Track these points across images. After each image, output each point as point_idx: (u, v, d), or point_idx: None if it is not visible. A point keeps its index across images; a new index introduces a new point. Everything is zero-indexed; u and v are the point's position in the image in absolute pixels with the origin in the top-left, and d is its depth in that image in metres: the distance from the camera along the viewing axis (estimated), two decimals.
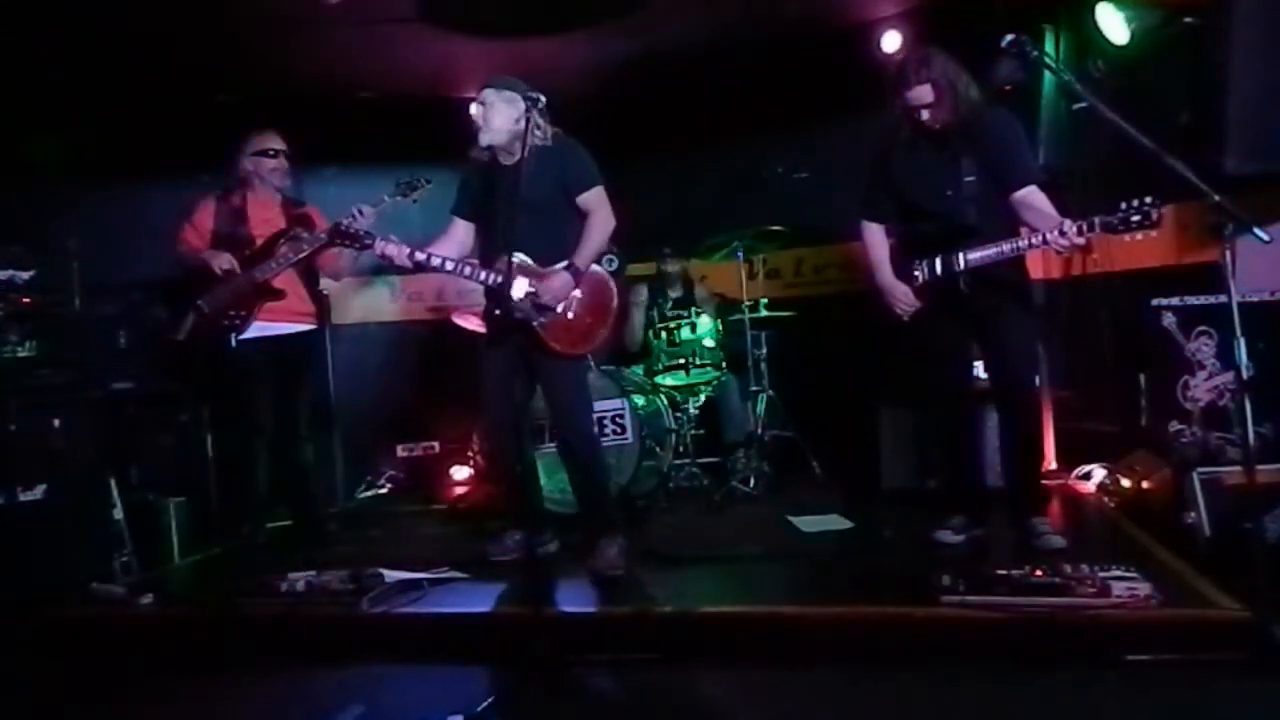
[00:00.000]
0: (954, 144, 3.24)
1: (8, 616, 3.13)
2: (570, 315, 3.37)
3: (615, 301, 3.50)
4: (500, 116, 3.34)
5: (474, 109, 3.37)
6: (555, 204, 3.38)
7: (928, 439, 4.25)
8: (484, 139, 3.34)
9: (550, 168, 3.35)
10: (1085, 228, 2.89)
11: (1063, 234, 2.93)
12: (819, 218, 5.38)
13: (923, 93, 3.20)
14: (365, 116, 5.43)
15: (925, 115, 3.24)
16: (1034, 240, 3.04)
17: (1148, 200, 2.80)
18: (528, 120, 3.15)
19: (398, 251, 3.34)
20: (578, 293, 3.36)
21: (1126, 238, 2.93)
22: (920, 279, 3.33)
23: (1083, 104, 4.00)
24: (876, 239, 3.54)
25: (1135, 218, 2.81)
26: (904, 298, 3.39)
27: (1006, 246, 3.10)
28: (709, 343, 4.68)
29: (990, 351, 3.41)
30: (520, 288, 3.31)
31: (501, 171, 3.33)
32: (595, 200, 3.40)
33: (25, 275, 3.70)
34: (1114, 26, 4.14)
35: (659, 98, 5.39)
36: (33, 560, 3.39)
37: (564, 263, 3.33)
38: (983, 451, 3.80)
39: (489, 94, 3.37)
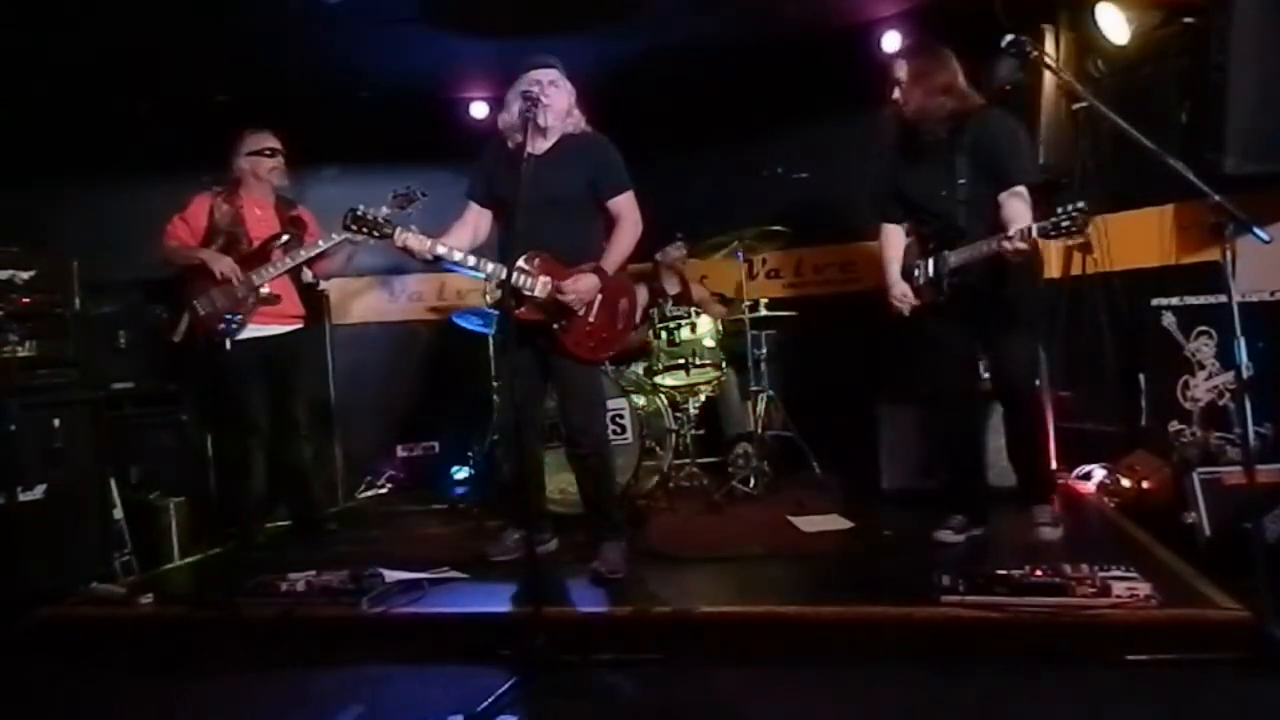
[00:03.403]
0: (949, 145, 3.27)
1: (8, 616, 3.13)
2: (591, 320, 3.29)
3: (639, 309, 3.43)
4: (560, 99, 3.25)
5: (529, 85, 3.18)
6: (581, 200, 3.29)
7: (929, 438, 4.26)
8: (543, 118, 3.16)
9: (581, 162, 3.28)
10: (1025, 233, 2.94)
11: (1008, 238, 2.98)
12: (819, 218, 5.40)
13: (897, 67, 3.32)
14: (365, 116, 5.43)
15: (898, 94, 3.32)
16: (992, 244, 3.07)
17: (1078, 205, 2.84)
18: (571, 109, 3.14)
19: (419, 244, 3.17)
20: (600, 297, 3.28)
21: (1076, 239, 2.99)
22: (920, 279, 3.35)
23: (1083, 104, 4.02)
24: (891, 239, 3.56)
25: (1065, 223, 2.86)
26: (900, 296, 3.43)
27: (981, 248, 3.14)
28: (709, 343, 4.68)
29: (991, 353, 3.42)
30: (543, 287, 3.21)
31: (527, 159, 3.09)
32: (626, 205, 3.32)
33: (25, 275, 3.70)
34: (1114, 26, 4.14)
35: (659, 97, 5.39)
36: (33, 560, 3.39)
37: (589, 264, 3.24)
38: (983, 452, 3.80)
39: (553, 73, 3.26)
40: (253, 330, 3.92)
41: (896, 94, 3.33)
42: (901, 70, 3.31)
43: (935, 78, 3.25)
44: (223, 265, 3.85)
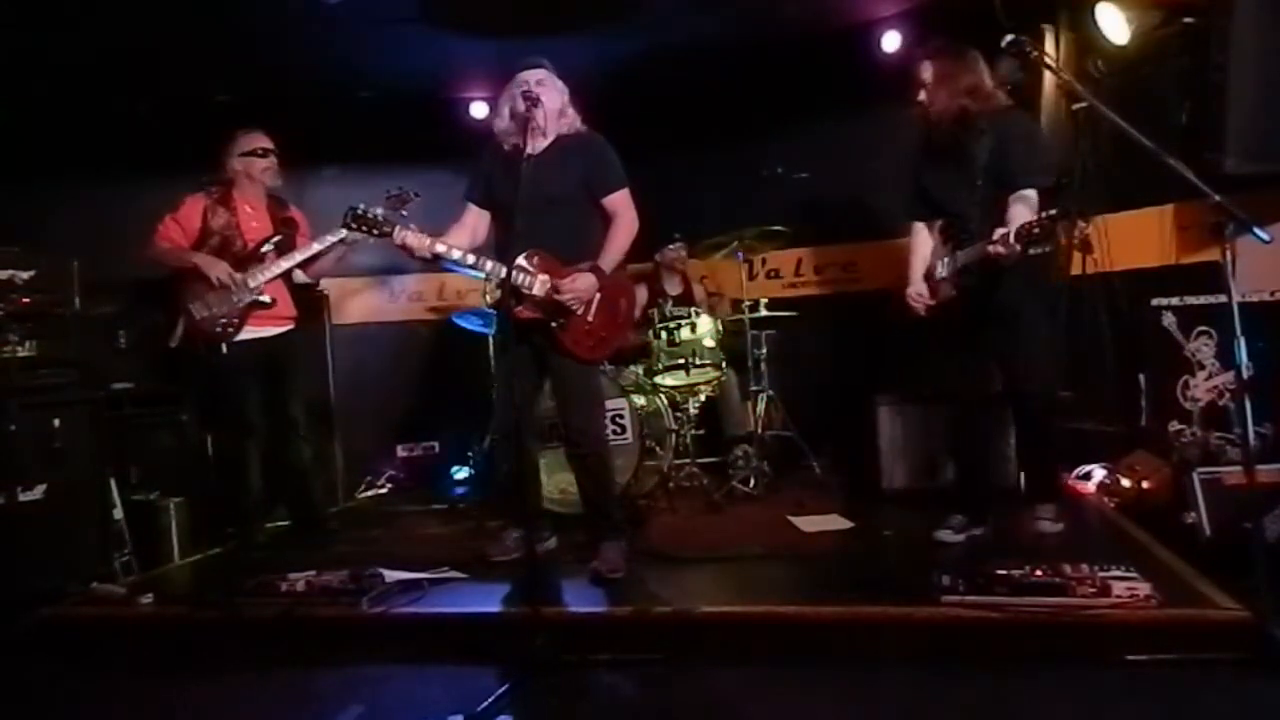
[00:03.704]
0: (969, 147, 3.27)
1: (8, 616, 3.13)
2: (590, 318, 3.29)
3: (637, 307, 3.43)
4: (552, 98, 3.26)
5: (522, 87, 3.21)
6: (577, 199, 3.30)
7: (929, 437, 4.26)
8: (538, 117, 3.17)
9: (576, 161, 3.29)
10: (1005, 239, 2.97)
11: (992, 243, 3.01)
12: (819, 218, 5.40)
13: (923, 68, 3.34)
14: (365, 116, 5.43)
15: (922, 96, 3.34)
16: (983, 248, 3.08)
17: (1050, 213, 2.90)
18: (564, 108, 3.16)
19: (418, 242, 3.18)
20: (599, 295, 3.28)
21: (1046, 246, 3.03)
22: (937, 278, 3.40)
23: (1083, 104, 4.02)
24: (917, 238, 3.59)
25: (1035, 230, 2.90)
26: (915, 295, 3.48)
27: (977, 250, 3.16)
28: (709, 343, 4.69)
29: (1001, 354, 3.43)
30: (541, 286, 3.21)
31: (524, 159, 3.12)
32: (622, 202, 3.33)
33: (25, 275, 3.70)
34: (1114, 26, 4.14)
35: (659, 97, 5.39)
36: (33, 560, 3.39)
37: (587, 263, 3.24)
38: (990, 453, 3.79)
39: (542, 73, 3.28)
40: (248, 332, 3.92)
41: (921, 95, 3.34)
42: (927, 71, 3.32)
43: (960, 79, 3.25)
44: (218, 270, 3.82)
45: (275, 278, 3.96)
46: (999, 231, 3.01)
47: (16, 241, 3.78)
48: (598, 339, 3.33)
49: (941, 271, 3.39)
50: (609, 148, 3.35)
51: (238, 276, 3.86)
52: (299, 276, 4.25)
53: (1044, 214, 2.90)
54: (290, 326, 4.12)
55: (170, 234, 3.95)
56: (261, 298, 3.90)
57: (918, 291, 3.47)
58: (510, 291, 3.06)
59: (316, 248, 3.97)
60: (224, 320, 3.85)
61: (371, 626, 2.94)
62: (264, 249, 3.96)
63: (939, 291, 3.40)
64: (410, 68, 5.22)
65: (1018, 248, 2.95)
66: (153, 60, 4.80)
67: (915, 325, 3.50)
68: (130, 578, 3.69)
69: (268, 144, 4.07)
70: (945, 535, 3.42)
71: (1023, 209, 3.14)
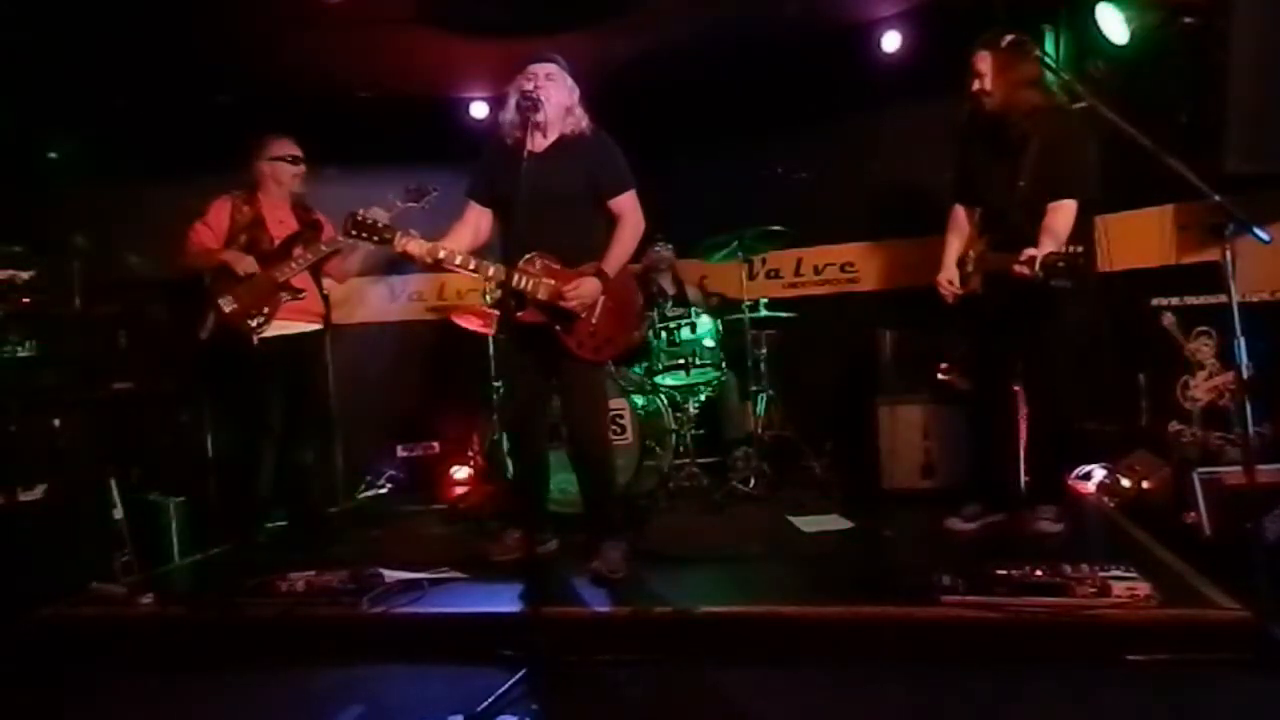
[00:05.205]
0: (1019, 143, 3.25)
1: (8, 616, 3.14)
2: (594, 320, 3.27)
3: (641, 308, 3.42)
4: (560, 94, 3.24)
5: (528, 83, 3.17)
6: (582, 199, 3.27)
7: (928, 437, 4.26)
8: (538, 116, 3.12)
9: (582, 161, 3.26)
10: (1031, 263, 2.96)
11: (1020, 262, 3.00)
12: (819, 218, 5.40)
13: (979, 59, 3.31)
14: (365, 116, 5.43)
15: (977, 86, 3.31)
16: (1008, 261, 3.07)
17: (1078, 248, 2.89)
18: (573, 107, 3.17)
19: (420, 249, 3.15)
20: (603, 298, 3.26)
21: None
22: (968, 268, 3.42)
23: (1083, 104, 4.01)
24: (957, 223, 3.61)
25: (1060, 264, 2.88)
26: (946, 282, 3.50)
27: (1001, 262, 3.15)
28: (709, 343, 4.69)
29: (1029, 349, 3.43)
30: (544, 291, 3.19)
31: (527, 157, 3.01)
32: (628, 204, 3.31)
33: (25, 275, 3.70)
34: (1114, 26, 4.14)
35: (659, 97, 5.39)
36: (33, 560, 3.39)
37: (591, 266, 3.23)
38: (1012, 443, 3.78)
39: (552, 68, 3.25)
40: (278, 328, 3.94)
41: (976, 85, 3.31)
42: (984, 61, 3.28)
43: (1021, 70, 3.23)
44: (245, 264, 3.86)
45: (302, 270, 3.98)
46: (1027, 252, 2.97)
47: (17, 241, 3.78)
48: (603, 340, 3.31)
49: (970, 265, 3.39)
50: (616, 148, 3.34)
51: (263, 271, 3.88)
52: (325, 282, 4.27)
53: (1070, 248, 2.88)
54: (319, 326, 4.14)
55: (202, 238, 3.99)
56: (288, 291, 3.92)
57: (948, 279, 3.47)
58: (513, 296, 3.04)
59: (342, 239, 3.98)
60: (254, 311, 3.86)
61: (371, 626, 2.95)
62: (291, 245, 4.00)
63: (970, 282, 3.40)
64: (410, 68, 5.21)
65: (1041, 274, 2.93)
66: (153, 60, 4.80)
67: (964, 312, 3.50)
68: (130, 578, 3.68)
69: (298, 152, 4.11)
70: (955, 524, 3.43)
71: (1058, 221, 3.12)
